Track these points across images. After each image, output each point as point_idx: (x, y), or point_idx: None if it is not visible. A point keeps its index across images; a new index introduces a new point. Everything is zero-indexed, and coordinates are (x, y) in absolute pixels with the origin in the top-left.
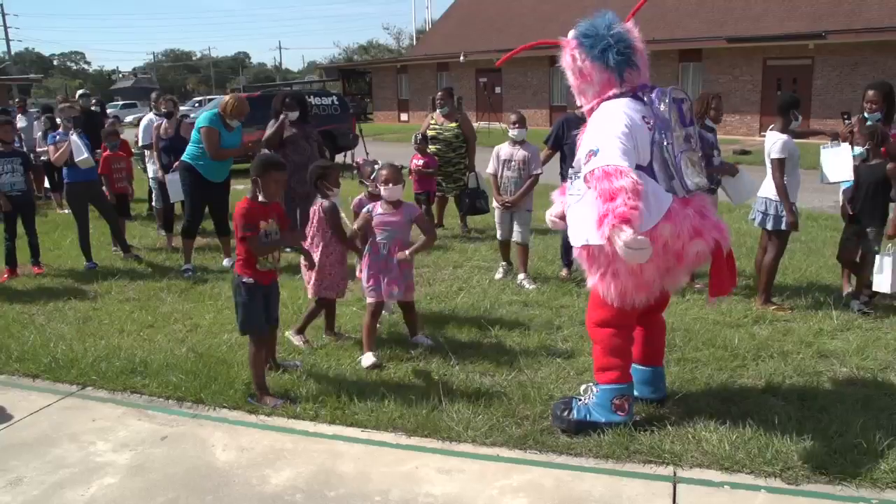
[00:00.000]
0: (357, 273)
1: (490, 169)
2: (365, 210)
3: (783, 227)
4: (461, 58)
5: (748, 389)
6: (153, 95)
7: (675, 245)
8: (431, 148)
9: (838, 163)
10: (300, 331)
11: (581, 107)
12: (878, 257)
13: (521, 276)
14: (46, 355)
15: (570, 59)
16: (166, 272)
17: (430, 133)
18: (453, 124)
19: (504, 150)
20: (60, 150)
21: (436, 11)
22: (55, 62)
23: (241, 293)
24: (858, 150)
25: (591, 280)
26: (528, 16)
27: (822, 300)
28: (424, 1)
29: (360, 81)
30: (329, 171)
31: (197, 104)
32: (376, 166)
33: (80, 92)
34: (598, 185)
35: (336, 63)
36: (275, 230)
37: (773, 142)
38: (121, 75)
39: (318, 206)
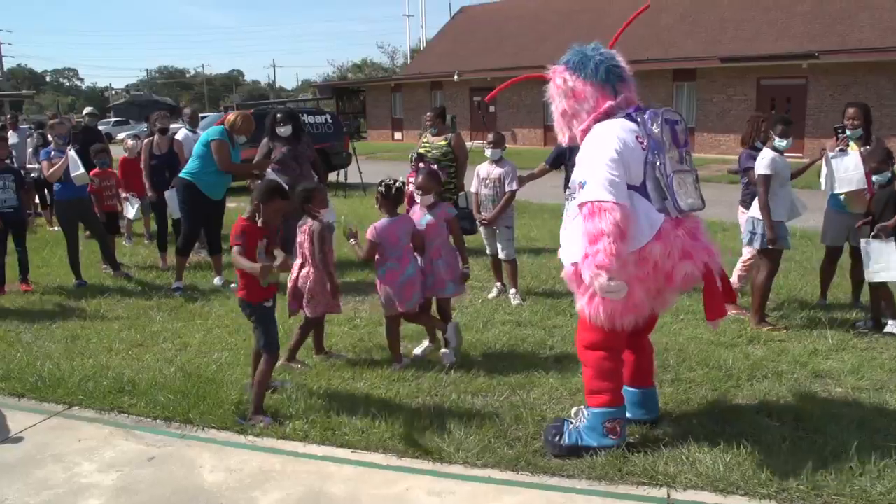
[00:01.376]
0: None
1: (473, 187)
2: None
3: (779, 245)
4: (455, 77)
5: (743, 410)
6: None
7: (664, 266)
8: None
9: (849, 171)
10: (291, 358)
11: (566, 135)
12: (869, 248)
13: (511, 291)
14: (32, 374)
15: (562, 81)
16: (156, 290)
17: (420, 150)
18: (442, 142)
19: (482, 168)
20: (56, 166)
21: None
22: (48, 78)
23: (265, 318)
24: (882, 176)
25: (580, 302)
26: (522, 35)
27: (817, 320)
28: (419, 20)
29: (353, 100)
30: (313, 193)
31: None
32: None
33: (87, 110)
34: (584, 223)
35: (330, 81)
36: (261, 251)
37: (761, 158)
38: (114, 92)
39: (306, 228)
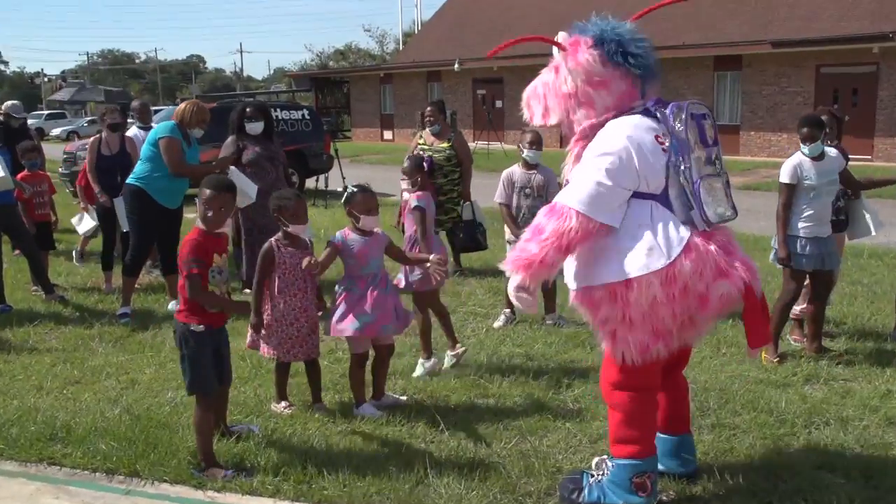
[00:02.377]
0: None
1: (500, 197)
2: (336, 240)
3: (791, 264)
4: (456, 65)
5: (799, 463)
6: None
7: (696, 287)
8: None
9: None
10: (282, 396)
11: (558, 118)
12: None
13: (549, 317)
14: None
15: (586, 60)
16: (98, 317)
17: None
18: (445, 144)
19: (518, 174)
20: None
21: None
22: None
23: (189, 345)
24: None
25: (600, 336)
26: (534, 16)
27: (891, 355)
28: None
29: (336, 92)
30: (288, 203)
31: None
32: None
33: (9, 103)
34: (542, 216)
35: (308, 70)
36: (226, 268)
37: (786, 163)
38: (46, 80)
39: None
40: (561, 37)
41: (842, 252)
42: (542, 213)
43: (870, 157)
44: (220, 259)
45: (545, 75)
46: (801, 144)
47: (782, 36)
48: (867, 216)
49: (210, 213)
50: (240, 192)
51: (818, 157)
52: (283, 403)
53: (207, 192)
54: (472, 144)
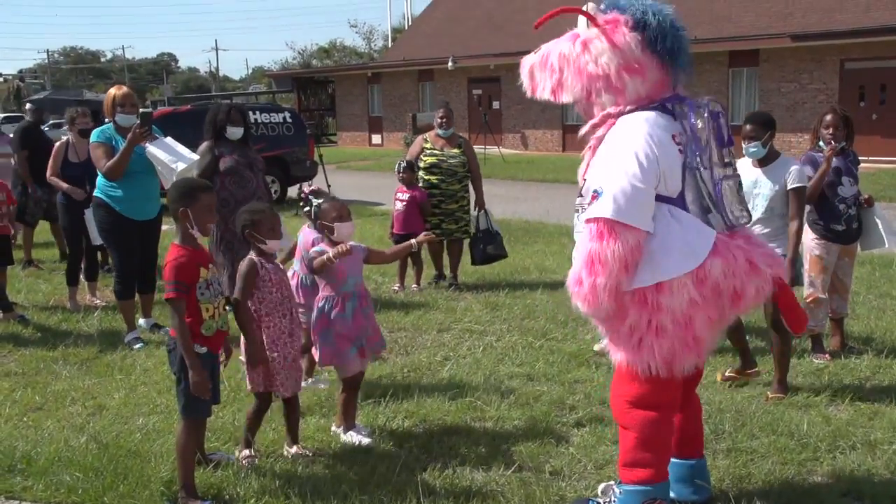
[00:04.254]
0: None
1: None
2: (312, 255)
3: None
4: (449, 64)
5: (823, 490)
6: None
7: (727, 286)
8: (432, 178)
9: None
10: (247, 444)
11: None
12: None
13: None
14: None
15: (623, 40)
16: (62, 337)
17: (428, 160)
18: (456, 149)
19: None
20: None
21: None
22: None
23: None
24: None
25: (621, 352)
26: (532, 9)
27: None
28: None
29: (320, 93)
30: (262, 217)
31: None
32: (333, 212)
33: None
34: (589, 240)
35: (289, 69)
36: (216, 279)
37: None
38: (2, 79)
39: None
40: (591, 8)
41: (853, 263)
42: (589, 238)
43: None
44: (207, 272)
45: (563, 46)
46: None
47: (803, 29)
48: (880, 226)
49: (193, 227)
50: (164, 168)
51: (763, 162)
52: (247, 452)
53: (176, 207)
54: None
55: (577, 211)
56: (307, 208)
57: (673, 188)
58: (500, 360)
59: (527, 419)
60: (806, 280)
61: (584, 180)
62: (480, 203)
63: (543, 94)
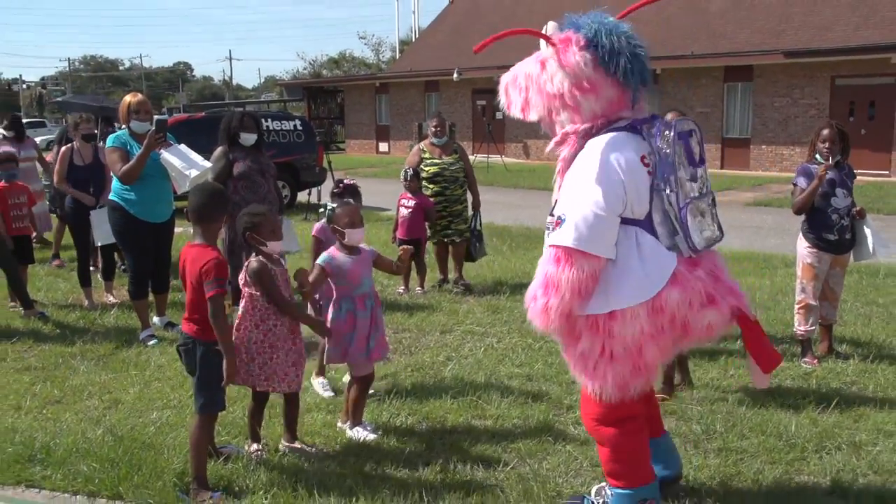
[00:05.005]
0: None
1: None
2: (324, 261)
3: None
4: (455, 75)
5: (809, 489)
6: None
7: (681, 315)
8: (435, 187)
9: (877, 232)
10: (255, 438)
11: (539, 116)
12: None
13: None
14: None
15: (575, 61)
16: (80, 333)
17: (431, 170)
18: (453, 156)
19: None
20: None
21: (424, 18)
22: None
23: (209, 364)
24: None
25: (578, 372)
26: (536, 24)
27: None
28: (410, 4)
29: (329, 102)
30: (262, 220)
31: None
32: (346, 218)
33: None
34: (547, 263)
35: (300, 79)
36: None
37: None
38: (25, 86)
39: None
40: (551, 28)
41: (844, 272)
42: (548, 261)
43: (887, 171)
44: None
45: (528, 66)
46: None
47: (795, 46)
48: (869, 237)
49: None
50: (178, 175)
51: None
52: (255, 446)
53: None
54: (471, 157)
55: (546, 229)
56: (322, 209)
57: (640, 211)
58: (501, 361)
59: (525, 418)
60: (798, 287)
61: (555, 201)
62: (477, 204)
63: (515, 111)
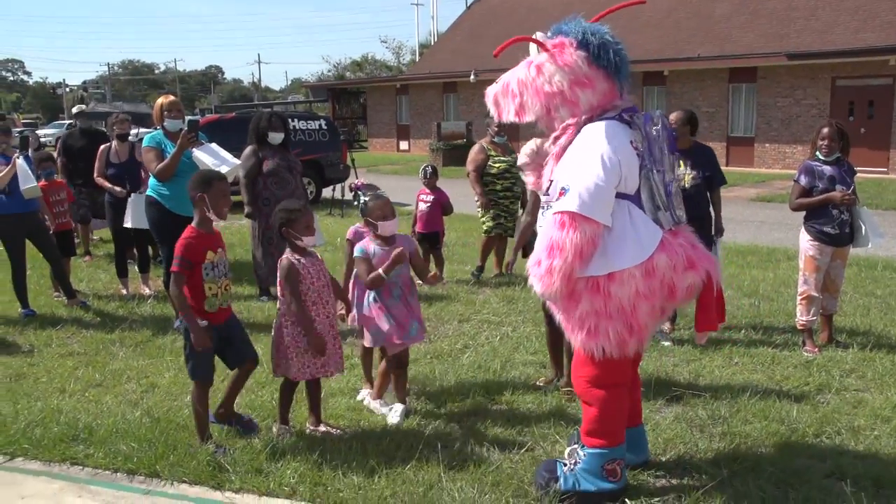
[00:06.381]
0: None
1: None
2: (360, 253)
3: None
4: (472, 77)
5: (809, 472)
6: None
7: (668, 278)
8: (505, 182)
9: (874, 223)
10: (283, 420)
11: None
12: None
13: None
14: None
15: (572, 60)
16: (119, 322)
17: (499, 166)
18: (512, 155)
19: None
20: (0, 175)
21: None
22: None
23: (187, 335)
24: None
25: (578, 336)
26: (546, 29)
27: None
28: (429, 10)
29: (352, 103)
30: (297, 215)
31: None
32: (378, 211)
33: (76, 109)
34: (552, 227)
35: (325, 81)
36: (223, 262)
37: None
38: (67, 89)
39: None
40: (540, 36)
41: (845, 264)
42: (552, 226)
43: (885, 169)
44: (215, 255)
45: (519, 73)
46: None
47: (798, 48)
48: (864, 227)
49: (209, 211)
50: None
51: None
52: (283, 427)
53: (195, 194)
54: None
55: (542, 208)
56: (356, 202)
57: (631, 186)
58: (516, 349)
59: (539, 403)
60: (800, 278)
61: (550, 181)
62: (523, 202)
63: (509, 117)
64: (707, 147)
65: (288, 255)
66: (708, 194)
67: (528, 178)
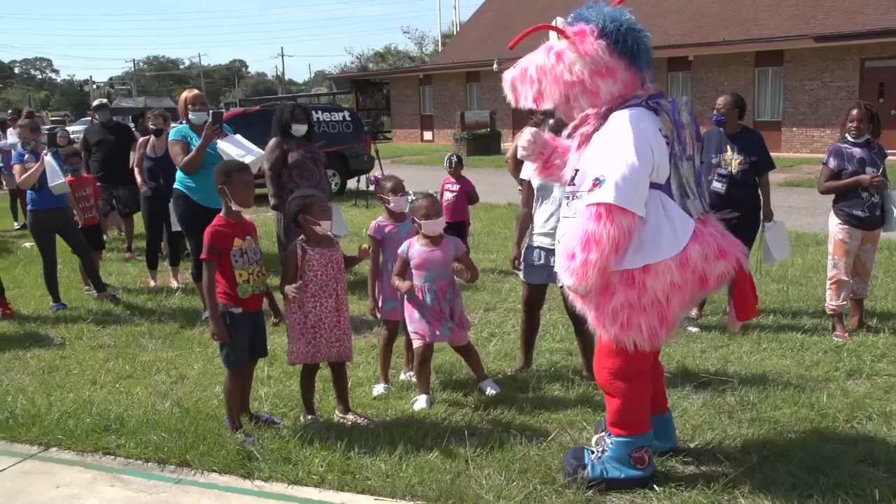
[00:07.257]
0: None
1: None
2: (401, 251)
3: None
4: (495, 66)
5: (841, 457)
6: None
7: (699, 268)
8: None
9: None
10: (309, 409)
11: (565, 108)
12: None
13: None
14: (3, 411)
15: (594, 49)
16: (148, 314)
17: None
18: None
19: None
20: (30, 172)
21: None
22: (16, 69)
23: (227, 324)
24: None
25: (610, 330)
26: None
27: None
28: (451, 0)
29: (375, 94)
30: (312, 201)
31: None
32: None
33: (97, 102)
34: (587, 220)
35: (348, 72)
36: (253, 249)
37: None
38: (94, 86)
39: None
40: (559, 23)
41: (875, 248)
42: (588, 218)
43: None
44: (243, 242)
45: (539, 59)
46: None
47: (825, 30)
48: (895, 210)
49: (231, 202)
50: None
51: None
52: (310, 416)
53: (217, 186)
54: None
55: (566, 198)
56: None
57: (663, 175)
58: (542, 337)
59: (566, 390)
60: (830, 262)
61: (576, 171)
62: None
63: (526, 103)
64: (755, 131)
65: (299, 241)
66: (756, 179)
67: (531, 166)
